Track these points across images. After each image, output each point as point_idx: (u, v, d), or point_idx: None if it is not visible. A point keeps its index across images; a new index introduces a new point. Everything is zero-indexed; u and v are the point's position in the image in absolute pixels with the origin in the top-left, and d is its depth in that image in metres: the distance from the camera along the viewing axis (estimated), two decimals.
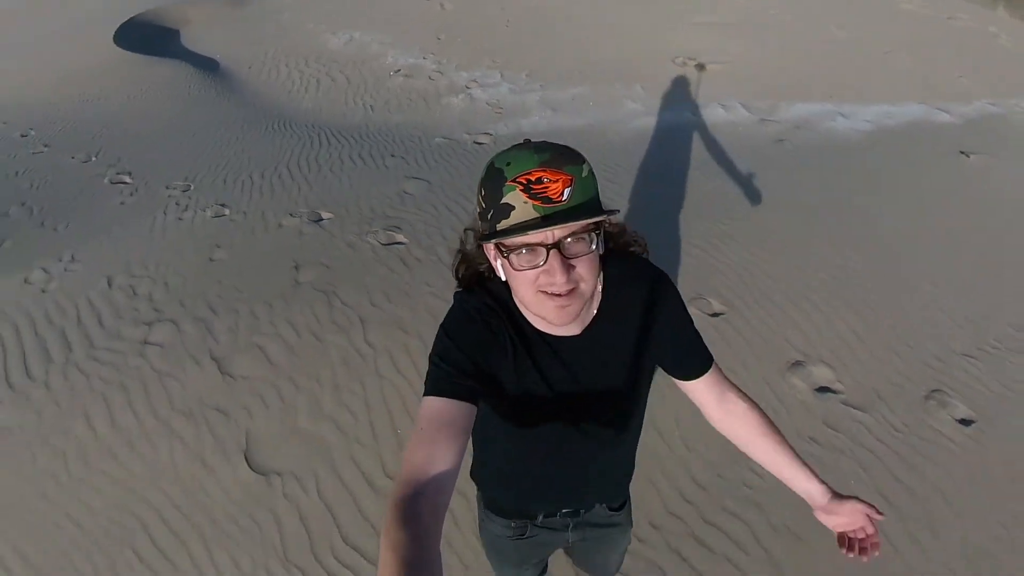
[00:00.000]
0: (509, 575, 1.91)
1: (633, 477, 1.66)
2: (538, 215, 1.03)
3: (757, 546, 2.74)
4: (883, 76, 8.02)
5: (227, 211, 4.97)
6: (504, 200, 1.05)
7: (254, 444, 3.10)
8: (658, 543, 2.72)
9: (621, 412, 1.41)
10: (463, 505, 2.74)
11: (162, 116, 7.46)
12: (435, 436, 1.06)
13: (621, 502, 1.70)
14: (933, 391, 3.46)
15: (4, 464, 3.16)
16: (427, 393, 1.14)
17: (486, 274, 1.29)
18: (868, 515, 1.32)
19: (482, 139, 6.59)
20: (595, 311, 1.28)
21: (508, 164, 1.06)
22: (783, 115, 7.01)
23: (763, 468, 2.73)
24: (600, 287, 1.28)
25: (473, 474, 1.65)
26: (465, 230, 1.31)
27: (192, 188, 5.50)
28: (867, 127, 6.73)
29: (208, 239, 4.56)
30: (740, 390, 1.47)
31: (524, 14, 10.02)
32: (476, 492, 1.71)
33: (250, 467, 3.01)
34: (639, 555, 2.67)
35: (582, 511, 1.62)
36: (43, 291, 4.24)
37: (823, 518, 1.37)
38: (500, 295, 1.26)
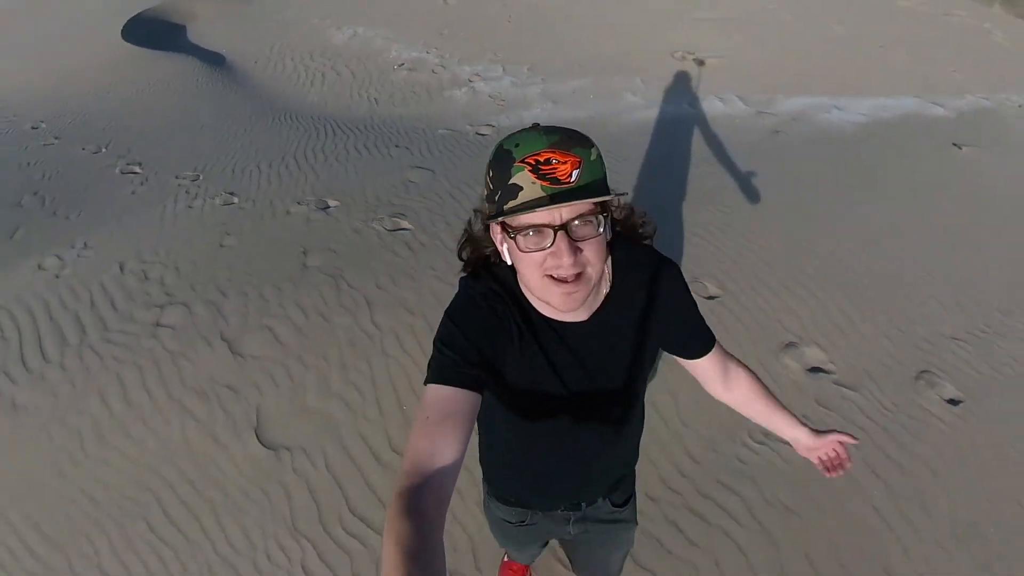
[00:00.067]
0: (513, 550, 1.95)
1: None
2: (545, 196, 1.02)
3: (751, 519, 2.81)
4: (879, 71, 8.05)
5: (236, 199, 5.02)
6: (512, 180, 1.04)
7: (264, 421, 3.17)
8: (655, 515, 2.79)
9: (626, 398, 1.39)
10: (467, 479, 2.79)
11: (170, 109, 7.51)
12: (439, 426, 1.04)
13: (625, 498, 1.69)
14: (922, 372, 3.52)
15: (21, 442, 3.22)
16: (431, 380, 1.12)
17: (492, 259, 1.27)
18: (842, 441, 1.54)
19: (484, 130, 6.64)
20: (603, 298, 1.27)
21: (517, 145, 1.05)
22: (779, 108, 7.05)
23: (756, 444, 2.82)
24: (608, 273, 1.27)
25: (480, 458, 1.63)
26: (474, 211, 1.28)
27: (201, 178, 5.55)
28: (862, 119, 6.77)
29: (218, 226, 4.62)
30: (739, 361, 1.54)
31: (525, 10, 10.04)
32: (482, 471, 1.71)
33: (260, 443, 3.07)
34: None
35: (584, 505, 1.61)
36: (57, 277, 4.29)
37: (806, 453, 1.59)
38: (506, 280, 1.24)
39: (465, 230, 1.31)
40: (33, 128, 7.31)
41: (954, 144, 6.17)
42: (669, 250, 4.26)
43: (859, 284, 4.07)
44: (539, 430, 1.36)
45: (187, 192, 5.28)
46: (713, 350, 1.45)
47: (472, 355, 1.12)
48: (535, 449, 1.44)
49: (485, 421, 1.46)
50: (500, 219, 1.06)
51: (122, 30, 10.07)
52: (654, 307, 1.32)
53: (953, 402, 3.38)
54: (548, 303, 1.16)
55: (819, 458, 1.57)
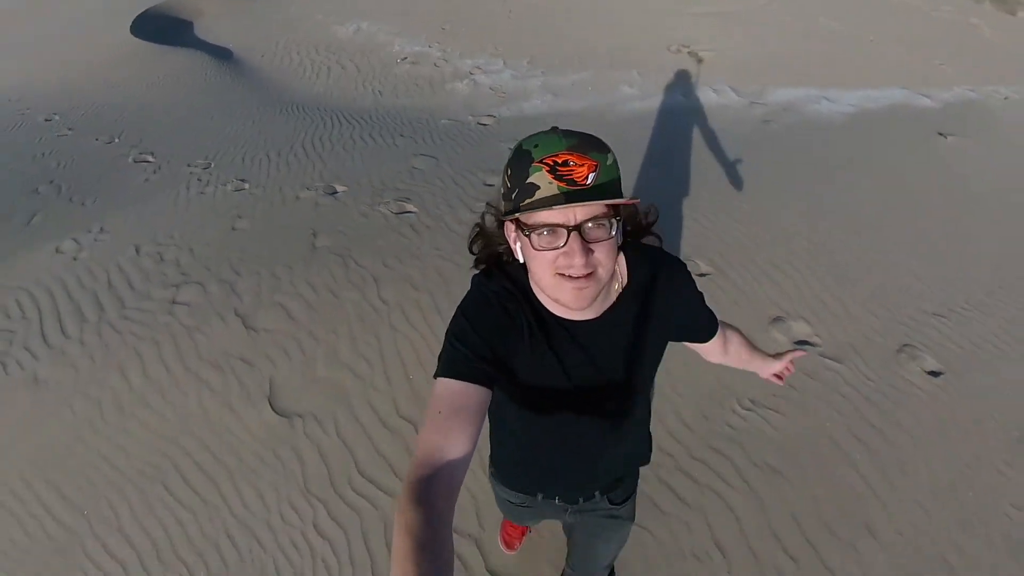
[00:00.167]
0: (513, 521, 2.02)
1: None
2: (562, 195, 1.03)
3: (740, 480, 2.90)
4: (868, 64, 8.12)
5: (247, 186, 5.10)
6: (530, 180, 1.05)
7: (277, 390, 3.26)
8: (649, 477, 2.88)
9: (633, 394, 1.39)
10: None
11: (180, 101, 7.57)
12: (450, 419, 1.06)
13: (624, 497, 1.70)
14: (904, 345, 3.62)
15: (44, 414, 3.30)
16: (442, 373, 1.13)
17: (505, 256, 1.28)
18: (795, 357, 1.73)
19: (486, 120, 6.71)
20: (614, 298, 1.27)
21: (536, 146, 1.05)
22: (771, 99, 7.12)
23: (745, 411, 2.92)
24: (619, 273, 1.28)
25: (490, 441, 1.63)
26: (487, 204, 1.29)
27: (212, 166, 5.63)
28: (850, 110, 6.84)
29: (230, 211, 4.70)
30: (728, 325, 1.61)
31: (525, 6, 10.11)
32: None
33: (274, 411, 3.16)
34: None
35: (581, 500, 1.62)
36: (74, 259, 4.36)
37: (767, 375, 1.77)
38: (519, 279, 1.25)
39: (477, 225, 1.32)
40: (46, 120, 7.36)
41: (940, 134, 6.26)
42: (662, 231, 4.37)
43: (844, 264, 4.16)
44: (546, 426, 1.37)
45: (199, 179, 5.36)
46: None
47: (484, 351, 1.14)
48: (541, 444, 1.45)
49: (495, 416, 1.48)
50: (516, 216, 1.08)
51: (131, 26, 10.12)
52: (663, 306, 1.33)
53: (934, 374, 3.48)
54: (558, 301, 1.16)
55: (775, 375, 1.76)
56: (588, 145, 1.06)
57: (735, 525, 2.76)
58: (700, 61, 8.05)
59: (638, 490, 1.78)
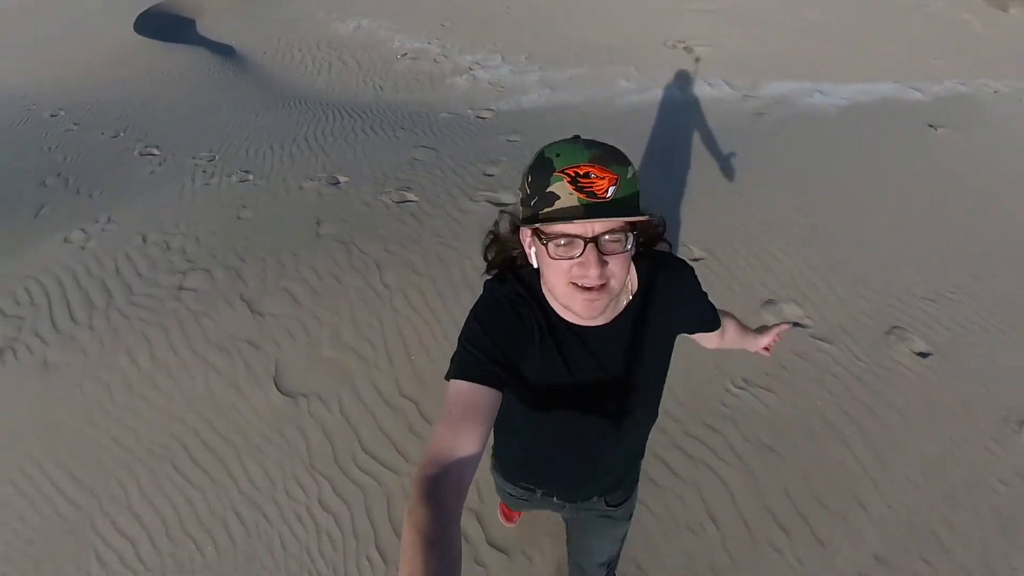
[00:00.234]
0: (512, 508, 2.04)
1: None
2: (581, 208, 1.03)
3: (734, 455, 2.95)
4: (861, 58, 8.15)
5: (251, 177, 5.14)
6: (550, 189, 1.05)
7: (283, 371, 3.30)
8: (646, 453, 2.92)
9: (641, 399, 1.40)
10: None
11: (184, 96, 7.59)
12: (461, 420, 1.06)
13: (622, 499, 1.71)
14: (894, 327, 3.66)
15: (54, 397, 3.33)
16: (454, 376, 1.13)
17: (518, 260, 1.28)
18: (780, 331, 1.78)
19: (485, 114, 6.73)
20: (623, 305, 1.28)
21: (558, 155, 1.05)
22: (764, 92, 7.15)
23: (738, 390, 2.97)
24: (630, 282, 1.29)
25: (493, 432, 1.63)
26: (501, 212, 1.29)
27: (217, 158, 5.66)
28: (843, 103, 6.87)
29: (235, 201, 4.73)
30: (727, 314, 1.64)
31: (524, 4, 10.14)
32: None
33: (279, 391, 3.20)
34: None
35: (579, 499, 1.64)
36: (82, 248, 4.39)
37: (754, 349, 1.81)
38: (531, 285, 1.25)
39: (491, 231, 1.31)
40: (52, 116, 7.38)
41: (930, 125, 6.29)
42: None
43: (835, 249, 4.20)
44: (549, 425, 1.37)
45: (204, 171, 5.39)
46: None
47: (496, 354, 1.15)
48: (543, 443, 1.46)
49: (500, 413, 1.37)
50: (535, 225, 1.08)
51: (134, 24, 10.14)
52: (669, 310, 1.34)
53: (922, 355, 3.52)
54: (570, 309, 1.16)
55: (764, 348, 1.80)
56: (610, 158, 1.06)
57: (728, 498, 2.80)
58: (697, 59, 8.07)
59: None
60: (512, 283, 1.25)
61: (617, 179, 1.04)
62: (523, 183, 1.13)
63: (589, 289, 1.10)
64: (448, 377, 1.15)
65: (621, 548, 1.91)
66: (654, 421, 1.54)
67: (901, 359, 3.47)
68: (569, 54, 8.43)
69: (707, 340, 1.64)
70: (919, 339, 3.60)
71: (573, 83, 7.69)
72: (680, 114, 6.55)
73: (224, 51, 9.39)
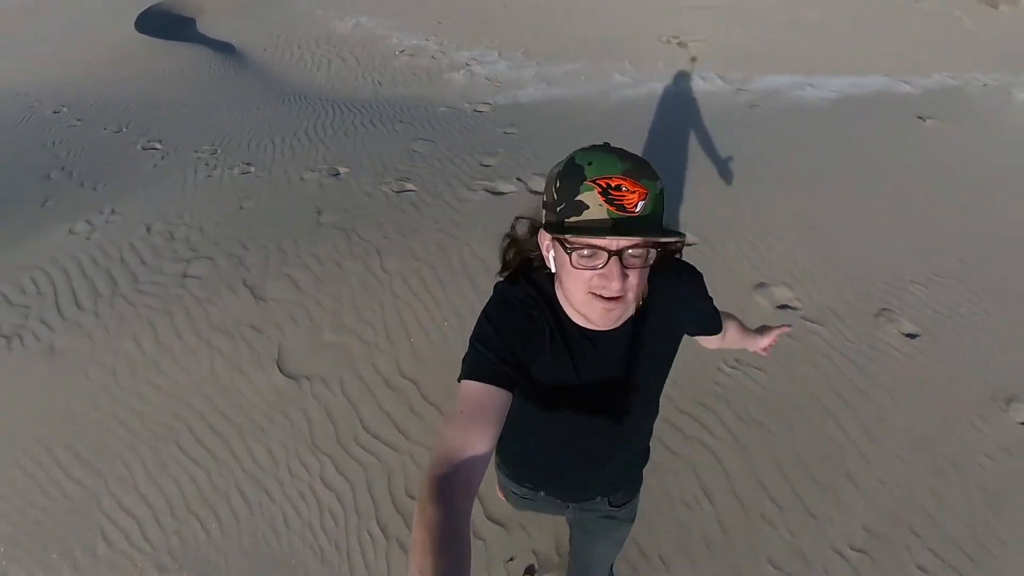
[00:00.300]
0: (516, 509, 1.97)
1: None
2: (609, 221, 1.01)
3: (726, 432, 2.98)
4: (851, 53, 8.17)
5: (252, 169, 5.15)
6: (579, 197, 1.02)
7: (285, 355, 3.32)
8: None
9: (644, 401, 1.40)
10: None
11: (186, 93, 7.60)
12: (471, 420, 1.06)
13: (626, 500, 1.70)
14: (883, 310, 3.70)
15: (60, 381, 3.35)
16: (465, 376, 1.12)
17: (535, 263, 1.27)
18: (781, 332, 1.79)
19: (482, 108, 6.76)
20: (633, 310, 1.24)
21: (590, 164, 1.03)
22: (756, 85, 7.18)
23: (730, 370, 3.00)
24: (643, 289, 1.26)
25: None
26: (517, 218, 1.27)
27: (218, 152, 5.67)
28: (833, 96, 6.91)
29: (237, 192, 4.75)
30: (726, 314, 1.62)
31: (520, 2, 10.15)
32: None
33: (282, 373, 3.23)
34: None
35: (582, 500, 1.63)
36: (87, 239, 4.41)
37: (753, 348, 1.81)
38: (543, 288, 1.24)
39: (508, 235, 1.29)
40: (55, 112, 7.39)
41: (919, 117, 6.33)
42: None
43: (825, 235, 4.24)
44: (554, 426, 1.37)
45: (206, 164, 5.41)
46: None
47: (506, 355, 1.13)
48: (548, 443, 1.45)
49: (507, 416, 1.45)
50: (562, 235, 1.05)
51: (135, 23, 10.15)
52: (679, 314, 1.34)
53: (911, 336, 3.56)
54: (586, 317, 1.16)
55: (763, 348, 1.81)
56: (641, 172, 1.04)
57: (722, 474, 2.84)
58: (694, 59, 8.09)
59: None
60: (524, 285, 1.24)
61: (647, 194, 1.03)
62: (550, 186, 1.10)
63: (607, 299, 1.09)
64: (460, 378, 1.14)
65: (622, 549, 1.91)
66: (656, 418, 1.54)
67: (890, 340, 3.51)
68: (565, 50, 8.45)
69: (708, 341, 1.65)
70: (908, 321, 3.64)
71: (569, 78, 7.71)
72: (674, 107, 6.58)
73: (224, 49, 9.40)
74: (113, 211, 4.77)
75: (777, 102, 6.72)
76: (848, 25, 9.07)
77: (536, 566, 2.53)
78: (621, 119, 6.27)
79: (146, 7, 10.93)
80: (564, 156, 1.10)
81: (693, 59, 7.94)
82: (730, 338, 1.68)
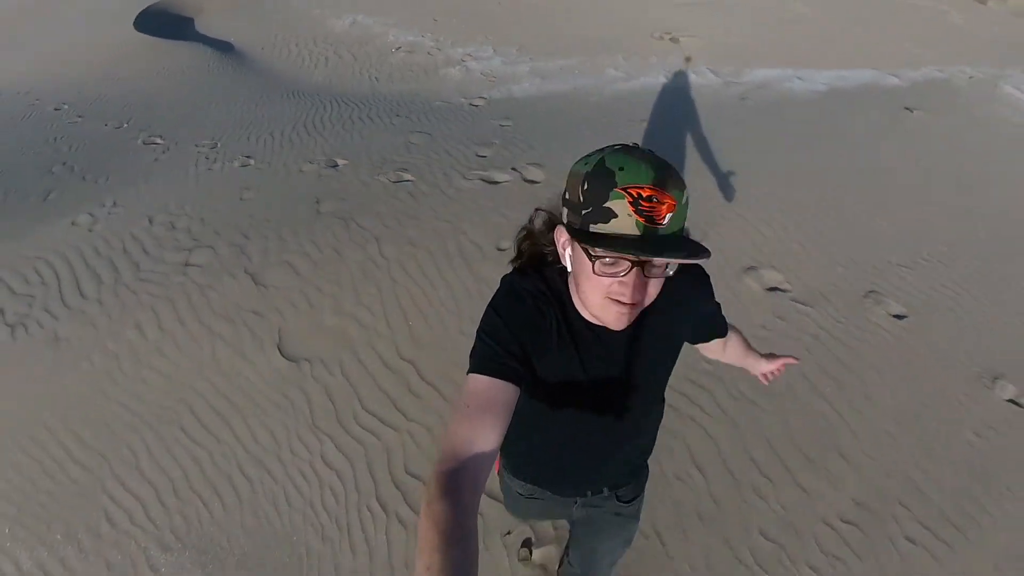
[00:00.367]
0: (519, 519, 2.02)
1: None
2: (638, 233, 0.97)
3: (718, 409, 3.01)
4: (840, 47, 8.22)
5: (252, 161, 5.16)
6: (608, 204, 0.97)
7: (286, 338, 3.33)
8: None
9: (648, 398, 1.39)
10: None
11: (185, 90, 7.59)
12: (479, 414, 1.03)
13: (633, 496, 1.66)
14: (870, 292, 3.73)
15: (64, 368, 3.36)
16: (473, 370, 1.10)
17: (549, 257, 1.22)
18: (787, 363, 1.76)
19: (477, 102, 6.78)
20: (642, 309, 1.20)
21: (621, 169, 0.98)
22: (747, 78, 7.22)
23: None
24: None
25: None
26: (536, 210, 1.23)
27: (218, 145, 5.68)
28: (822, 88, 6.94)
29: (237, 183, 4.76)
30: (734, 329, 1.61)
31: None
32: None
33: (283, 356, 3.24)
34: None
35: (589, 493, 1.59)
36: (90, 230, 4.41)
37: (757, 372, 1.80)
38: (553, 283, 1.21)
39: (525, 227, 1.26)
40: (56, 110, 7.37)
41: (906, 108, 6.37)
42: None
43: (814, 221, 4.27)
44: (560, 424, 1.34)
45: (206, 157, 5.41)
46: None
47: (514, 348, 1.11)
48: (553, 440, 1.42)
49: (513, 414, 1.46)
50: (587, 244, 1.00)
51: (134, 22, 10.13)
52: (685, 314, 1.33)
53: (898, 317, 3.59)
54: (601, 319, 1.13)
55: (764, 374, 1.79)
56: (671, 181, 0.98)
57: (714, 450, 2.86)
58: (688, 59, 8.11)
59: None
60: (534, 279, 1.21)
61: (675, 205, 0.97)
62: (576, 186, 1.03)
63: (624, 304, 1.06)
64: (468, 372, 1.11)
65: (627, 549, 1.87)
66: (661, 419, 1.52)
67: (878, 321, 3.54)
68: (560, 46, 8.47)
69: (710, 349, 1.63)
70: (895, 302, 3.67)
71: (563, 73, 7.73)
72: (666, 99, 6.61)
73: (223, 48, 9.38)
74: (115, 203, 4.78)
75: (767, 94, 6.75)
76: (838, 20, 9.12)
77: (533, 539, 2.54)
78: (614, 112, 6.30)
79: (144, 7, 10.90)
80: (591, 151, 1.06)
81: (688, 59, 7.97)
82: (732, 351, 1.68)
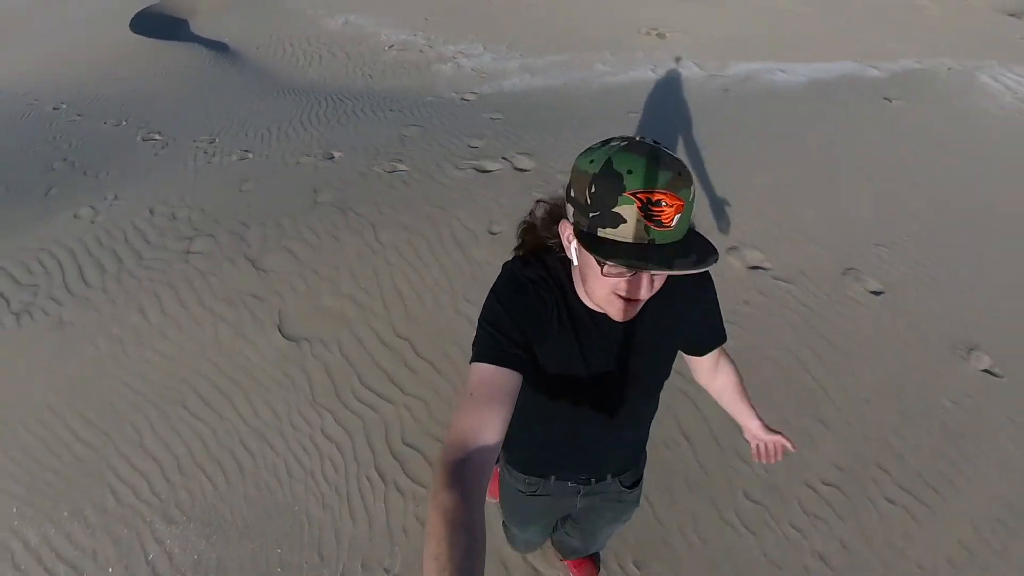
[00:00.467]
0: (518, 528, 1.94)
1: None
2: (648, 239, 0.95)
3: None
4: (821, 41, 8.30)
5: (250, 155, 5.20)
6: (616, 209, 0.94)
7: (286, 319, 3.38)
8: None
9: (647, 387, 1.38)
10: None
11: (183, 88, 7.60)
12: (484, 403, 1.03)
13: (634, 481, 1.66)
14: (849, 269, 3.80)
15: (69, 352, 3.38)
16: (477, 359, 1.09)
17: (556, 250, 1.20)
18: (785, 446, 1.58)
19: (469, 97, 6.82)
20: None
21: (629, 172, 0.94)
22: (730, 72, 7.29)
23: None
24: None
25: None
26: (538, 202, 1.22)
27: (217, 140, 5.70)
28: (803, 80, 7.03)
29: (236, 175, 4.79)
30: (728, 357, 1.57)
31: None
32: None
33: (283, 336, 3.29)
34: None
35: (593, 480, 1.58)
36: (92, 223, 4.43)
37: (751, 439, 1.64)
38: (555, 271, 1.20)
39: (526, 220, 1.25)
40: (55, 109, 7.36)
41: (885, 98, 6.45)
42: None
43: (794, 204, 4.35)
44: (559, 411, 1.33)
45: (205, 152, 5.44)
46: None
47: (516, 335, 1.10)
48: (554, 428, 1.42)
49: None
50: (595, 250, 0.98)
51: (130, 23, 10.12)
52: (688, 311, 1.31)
53: (876, 293, 3.67)
54: (605, 311, 1.13)
55: (758, 447, 1.63)
56: (680, 181, 0.95)
57: (700, 418, 2.92)
58: (677, 57, 8.17)
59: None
60: (536, 267, 1.19)
61: (683, 206, 0.95)
62: (582, 187, 0.99)
63: (628, 299, 1.07)
64: (471, 361, 1.11)
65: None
66: (656, 410, 1.51)
67: (857, 297, 3.61)
68: (549, 43, 8.52)
69: (699, 369, 1.58)
70: (873, 279, 3.74)
71: (552, 68, 7.78)
72: (653, 92, 6.67)
73: (218, 48, 9.38)
74: (116, 197, 4.80)
75: (750, 86, 6.83)
76: (819, 15, 9.21)
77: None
78: (600, 103, 6.37)
79: (140, 9, 10.88)
80: (595, 144, 1.03)
81: (678, 59, 8.03)
82: (722, 385, 1.61)
